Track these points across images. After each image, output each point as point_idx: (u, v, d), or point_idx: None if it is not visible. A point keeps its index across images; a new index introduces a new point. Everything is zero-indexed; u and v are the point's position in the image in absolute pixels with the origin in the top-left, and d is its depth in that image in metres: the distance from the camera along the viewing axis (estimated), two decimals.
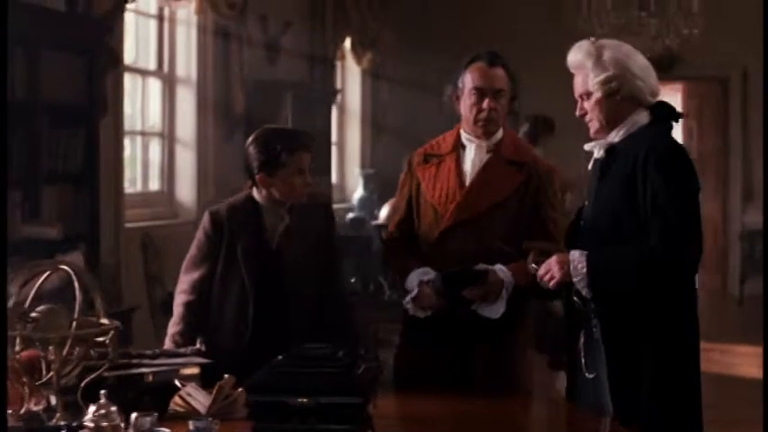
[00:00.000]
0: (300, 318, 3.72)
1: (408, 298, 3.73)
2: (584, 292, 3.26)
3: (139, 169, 7.56)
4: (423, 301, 3.70)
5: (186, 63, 7.80)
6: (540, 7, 10.97)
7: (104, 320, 2.97)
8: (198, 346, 3.55)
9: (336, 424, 2.80)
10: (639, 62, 3.36)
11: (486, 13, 11.02)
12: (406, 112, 11.27)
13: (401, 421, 3.36)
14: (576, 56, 3.38)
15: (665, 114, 3.35)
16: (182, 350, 3.52)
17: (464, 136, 3.85)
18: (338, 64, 10.65)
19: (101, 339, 2.94)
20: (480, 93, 3.76)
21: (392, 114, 11.48)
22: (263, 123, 3.97)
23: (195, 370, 3.36)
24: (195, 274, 3.76)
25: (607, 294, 3.25)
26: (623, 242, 3.26)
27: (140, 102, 7.57)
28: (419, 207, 3.84)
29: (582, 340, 3.36)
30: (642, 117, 3.33)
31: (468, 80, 3.78)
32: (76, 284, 2.94)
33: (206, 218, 3.79)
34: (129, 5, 6.52)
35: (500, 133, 3.83)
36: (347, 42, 10.42)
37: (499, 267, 3.67)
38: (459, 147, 3.85)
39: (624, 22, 8.37)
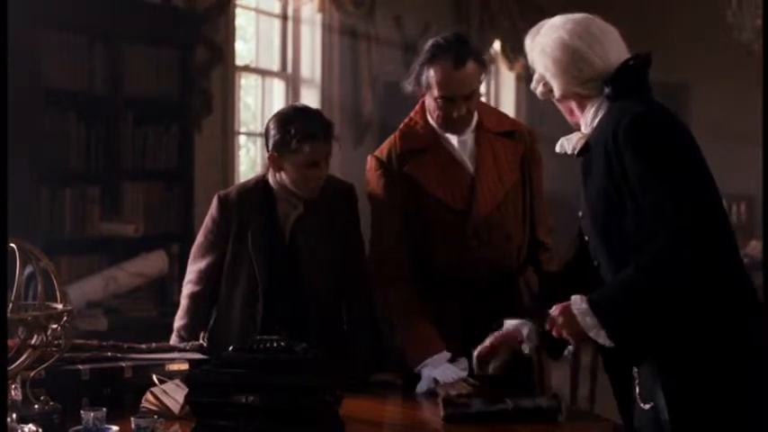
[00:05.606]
0: (317, 318, 3.38)
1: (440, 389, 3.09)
2: (605, 343, 2.57)
3: (259, 171, 7.38)
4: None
5: (311, 64, 7.60)
6: None
7: (58, 305, 2.74)
8: (201, 341, 3.32)
9: (290, 425, 2.48)
10: (573, 46, 2.61)
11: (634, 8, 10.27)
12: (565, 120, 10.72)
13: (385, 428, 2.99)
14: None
15: (626, 83, 2.60)
16: (181, 345, 3.27)
17: (438, 128, 3.36)
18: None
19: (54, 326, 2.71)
20: (448, 100, 3.23)
21: (550, 122, 10.93)
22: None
23: (184, 366, 3.10)
24: (202, 264, 3.44)
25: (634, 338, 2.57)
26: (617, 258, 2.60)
27: (262, 103, 7.42)
28: (421, 215, 3.33)
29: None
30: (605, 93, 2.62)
31: (432, 83, 3.22)
32: (36, 269, 2.75)
33: (214, 202, 3.45)
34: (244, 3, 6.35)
35: (475, 114, 3.36)
36: (496, 45, 10.00)
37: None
38: (438, 137, 3.35)
39: None
